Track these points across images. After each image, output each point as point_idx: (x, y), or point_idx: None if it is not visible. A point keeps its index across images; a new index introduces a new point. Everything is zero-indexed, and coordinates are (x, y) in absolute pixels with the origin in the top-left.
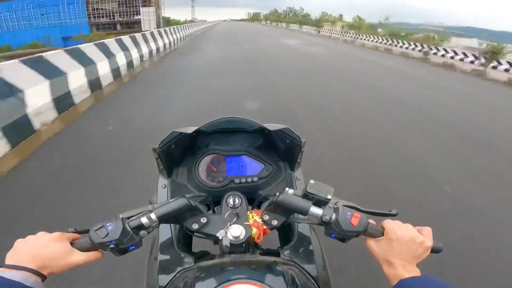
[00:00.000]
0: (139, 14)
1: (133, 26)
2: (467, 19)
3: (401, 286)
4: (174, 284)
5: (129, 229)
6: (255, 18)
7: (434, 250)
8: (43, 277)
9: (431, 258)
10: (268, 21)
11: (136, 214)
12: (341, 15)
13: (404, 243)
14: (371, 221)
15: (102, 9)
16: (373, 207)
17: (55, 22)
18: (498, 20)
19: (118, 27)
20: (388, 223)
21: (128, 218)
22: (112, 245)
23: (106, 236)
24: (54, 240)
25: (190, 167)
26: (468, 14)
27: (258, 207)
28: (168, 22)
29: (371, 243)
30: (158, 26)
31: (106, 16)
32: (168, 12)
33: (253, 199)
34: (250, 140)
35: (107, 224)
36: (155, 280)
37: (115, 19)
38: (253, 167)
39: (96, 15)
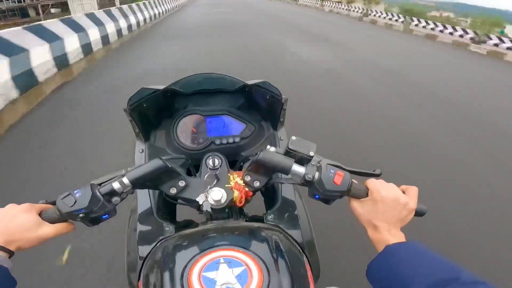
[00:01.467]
0: None
1: (62, 9)
2: None
3: (388, 252)
4: (154, 254)
5: (99, 195)
6: None
7: (418, 213)
8: (11, 253)
9: None
10: None
11: (108, 180)
12: None
13: (388, 203)
14: (354, 181)
15: None
16: (355, 164)
17: None
18: None
19: (32, 13)
20: (372, 183)
21: (99, 184)
22: (81, 214)
23: (74, 204)
24: (22, 212)
25: (168, 130)
26: None
27: (241, 169)
28: None
29: (355, 204)
30: (103, 6)
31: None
32: None
33: (236, 161)
34: (231, 100)
35: (75, 192)
36: (135, 252)
37: (25, 2)
38: (234, 127)
39: None
